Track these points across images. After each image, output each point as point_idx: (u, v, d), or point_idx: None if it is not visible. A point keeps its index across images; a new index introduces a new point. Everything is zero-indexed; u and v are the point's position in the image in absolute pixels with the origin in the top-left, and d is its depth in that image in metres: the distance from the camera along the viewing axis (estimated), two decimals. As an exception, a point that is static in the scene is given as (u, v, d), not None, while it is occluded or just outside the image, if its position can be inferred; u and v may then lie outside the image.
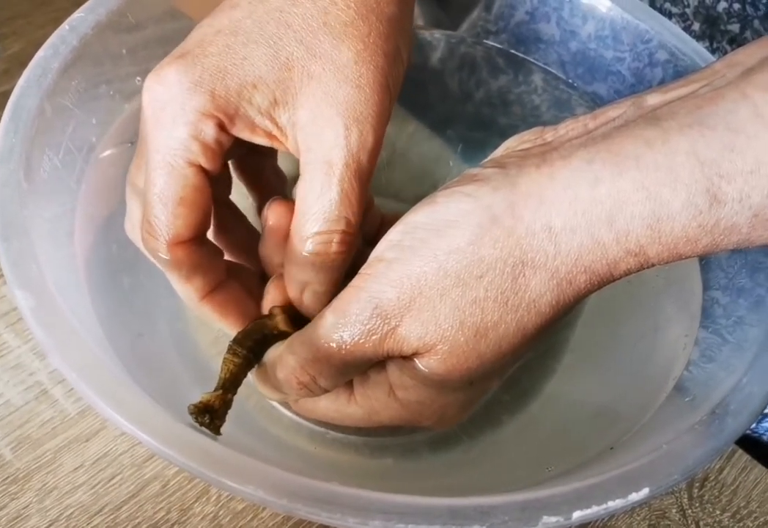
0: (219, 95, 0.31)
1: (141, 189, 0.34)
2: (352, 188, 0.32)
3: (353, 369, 0.32)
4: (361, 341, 0.30)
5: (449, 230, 0.29)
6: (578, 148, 0.29)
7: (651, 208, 0.27)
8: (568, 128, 0.31)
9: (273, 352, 0.34)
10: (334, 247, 0.33)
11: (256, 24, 0.32)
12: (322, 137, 0.32)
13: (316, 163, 0.32)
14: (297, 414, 0.41)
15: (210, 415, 0.32)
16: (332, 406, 0.35)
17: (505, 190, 0.29)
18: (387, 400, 0.33)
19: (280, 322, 0.35)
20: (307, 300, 0.35)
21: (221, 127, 0.32)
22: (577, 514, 0.27)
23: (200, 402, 0.32)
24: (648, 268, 0.29)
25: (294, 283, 0.35)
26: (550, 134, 0.32)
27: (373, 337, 0.30)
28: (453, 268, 0.29)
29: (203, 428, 0.31)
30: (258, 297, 0.37)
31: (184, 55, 0.32)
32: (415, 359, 0.31)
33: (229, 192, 0.38)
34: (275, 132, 0.33)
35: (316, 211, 0.32)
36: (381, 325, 0.30)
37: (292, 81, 0.32)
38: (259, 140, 0.33)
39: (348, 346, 0.31)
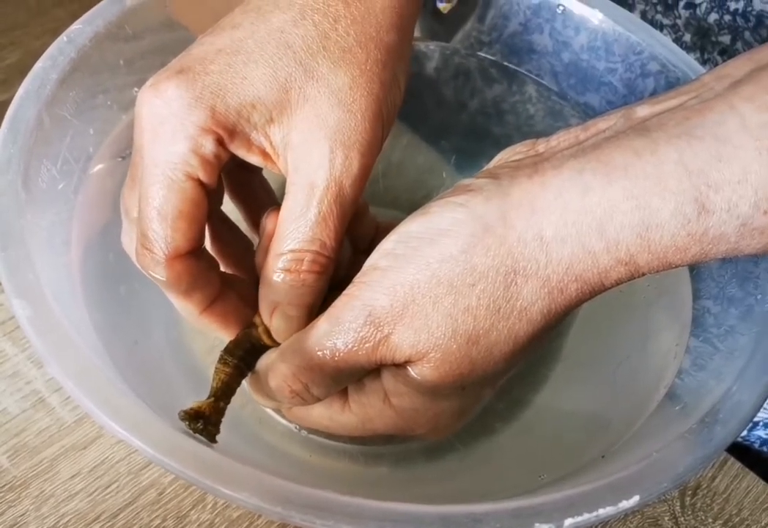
0: (219, 112, 0.32)
1: (135, 203, 0.34)
2: (331, 211, 0.32)
3: (346, 377, 0.33)
4: (354, 349, 0.31)
5: (442, 239, 0.30)
6: (569, 158, 0.29)
7: (640, 217, 0.27)
8: (560, 139, 0.32)
9: (265, 360, 0.35)
10: (305, 266, 0.33)
11: (258, 44, 0.32)
12: (309, 159, 0.32)
13: (300, 183, 0.32)
14: (292, 422, 0.42)
15: (203, 421, 0.32)
16: (326, 413, 0.35)
17: (498, 199, 0.29)
18: (382, 407, 0.34)
19: (263, 334, 0.35)
20: (276, 322, 0.35)
21: (220, 142, 0.32)
22: (568, 522, 0.27)
23: (190, 409, 0.32)
24: (639, 276, 0.29)
25: (265, 302, 0.35)
26: (542, 146, 0.32)
27: (366, 345, 0.31)
28: (446, 276, 0.29)
29: (197, 435, 0.32)
30: (255, 307, 0.37)
31: (184, 71, 0.32)
32: (409, 366, 0.31)
33: (220, 204, 0.38)
34: (269, 150, 0.33)
35: (293, 230, 0.32)
36: (374, 332, 0.30)
37: (289, 102, 0.32)
38: (254, 159, 0.33)
39: (341, 354, 0.31)
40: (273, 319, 0.35)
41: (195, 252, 0.33)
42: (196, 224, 0.33)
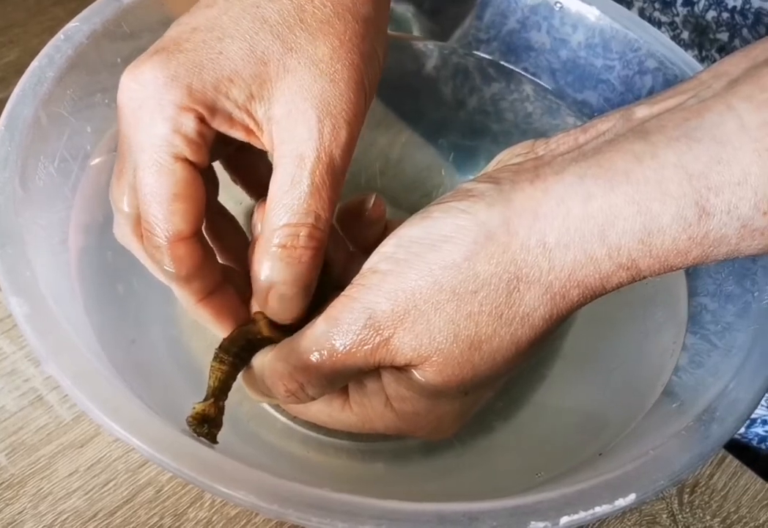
0: (196, 89, 0.31)
1: (125, 193, 0.34)
2: (323, 182, 0.32)
3: (342, 378, 0.33)
4: (352, 351, 0.31)
5: (445, 245, 0.29)
6: (570, 163, 0.29)
7: (642, 222, 0.27)
8: (559, 142, 0.31)
9: (261, 358, 0.34)
10: (302, 241, 0.33)
11: (233, 20, 0.32)
12: (296, 130, 0.32)
13: (288, 156, 0.32)
14: (290, 419, 0.42)
15: (207, 424, 0.32)
16: (325, 410, 0.35)
17: (500, 206, 0.29)
18: (383, 410, 0.34)
19: (263, 327, 0.35)
20: (272, 302, 0.35)
21: (201, 119, 0.32)
22: (564, 520, 0.27)
23: (196, 413, 0.32)
24: (640, 280, 0.29)
25: (260, 282, 0.34)
26: (541, 148, 0.32)
27: (365, 347, 0.30)
28: (448, 283, 0.29)
29: (201, 438, 0.32)
30: (249, 300, 0.37)
31: (158, 52, 0.32)
32: (411, 370, 0.31)
33: (216, 194, 0.38)
34: (252, 126, 0.33)
35: (286, 203, 0.32)
36: (374, 335, 0.30)
37: (269, 75, 0.32)
38: (237, 135, 0.33)
39: (339, 355, 0.31)
40: (269, 301, 0.35)
41: (195, 236, 0.33)
42: (194, 205, 0.33)
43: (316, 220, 0.32)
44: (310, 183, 0.32)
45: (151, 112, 0.32)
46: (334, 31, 0.33)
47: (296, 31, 0.32)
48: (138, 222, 0.34)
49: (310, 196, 0.32)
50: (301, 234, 0.32)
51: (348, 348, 0.31)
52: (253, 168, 0.40)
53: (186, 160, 0.32)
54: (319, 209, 0.32)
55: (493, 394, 0.35)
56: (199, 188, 0.33)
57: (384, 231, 0.39)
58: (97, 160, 0.40)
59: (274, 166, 0.33)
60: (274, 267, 0.33)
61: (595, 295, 0.30)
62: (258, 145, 0.34)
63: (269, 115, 0.33)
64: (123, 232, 0.35)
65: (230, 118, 0.33)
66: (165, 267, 0.33)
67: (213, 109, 0.32)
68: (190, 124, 0.32)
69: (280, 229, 0.32)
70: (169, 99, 0.31)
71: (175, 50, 0.32)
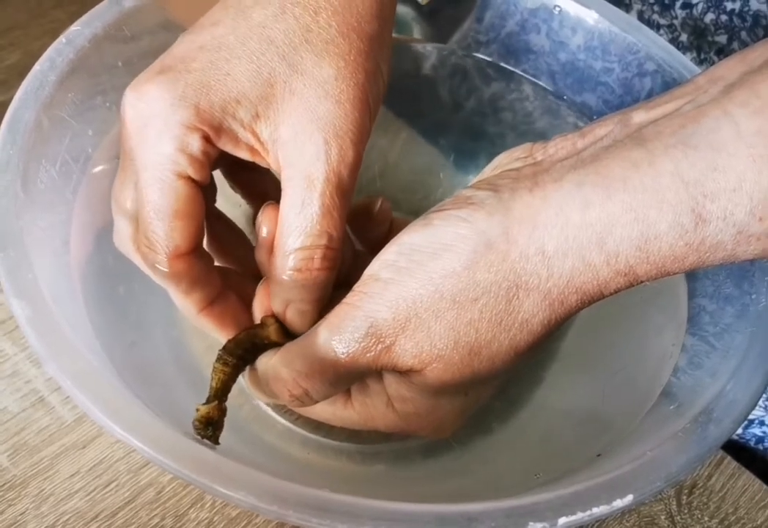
0: (203, 109, 0.32)
1: (126, 204, 0.34)
2: (334, 203, 0.32)
3: (346, 382, 0.33)
4: (355, 358, 0.31)
5: (445, 254, 0.30)
6: (569, 170, 0.29)
7: (639, 229, 0.27)
8: (557, 147, 0.32)
9: (266, 361, 0.35)
10: (317, 263, 0.33)
11: (239, 40, 0.32)
12: (303, 152, 0.32)
13: (297, 178, 0.32)
14: (290, 421, 0.42)
15: (212, 426, 0.32)
16: (329, 408, 0.35)
17: (500, 215, 0.29)
18: (385, 410, 0.34)
19: (273, 333, 0.35)
20: (290, 317, 0.35)
21: (207, 139, 0.32)
22: (562, 521, 0.27)
23: (201, 416, 0.32)
24: (637, 285, 0.29)
25: (277, 299, 0.35)
26: (539, 153, 0.32)
27: (368, 355, 0.31)
28: (449, 292, 0.30)
29: (204, 440, 0.32)
30: (251, 302, 0.37)
31: (165, 71, 0.32)
32: (412, 375, 0.32)
33: (214, 201, 0.38)
34: (257, 146, 0.33)
35: (298, 226, 0.32)
36: (375, 343, 0.31)
37: (275, 97, 0.32)
38: (243, 154, 0.33)
39: (342, 362, 0.31)
40: (287, 316, 0.35)
41: (195, 251, 0.34)
42: (194, 221, 0.33)
43: (329, 240, 0.33)
44: (321, 204, 0.32)
45: (158, 131, 0.32)
46: (339, 51, 0.33)
47: (302, 52, 0.32)
48: (138, 230, 0.34)
49: (322, 217, 0.32)
50: (316, 257, 0.33)
51: (351, 355, 0.31)
52: (255, 180, 0.40)
53: (189, 178, 0.32)
54: (332, 229, 0.32)
55: (493, 392, 0.35)
56: (200, 206, 0.33)
57: (389, 231, 0.39)
58: (99, 168, 0.40)
59: (282, 188, 0.33)
60: (292, 288, 0.34)
61: (593, 300, 0.30)
62: (263, 164, 0.34)
63: (275, 136, 0.33)
64: (122, 241, 0.35)
65: (236, 139, 0.33)
66: (160, 276, 0.34)
67: (219, 130, 0.32)
68: (195, 144, 0.32)
69: (294, 253, 0.33)
70: (177, 119, 0.31)
71: (183, 70, 0.32)
